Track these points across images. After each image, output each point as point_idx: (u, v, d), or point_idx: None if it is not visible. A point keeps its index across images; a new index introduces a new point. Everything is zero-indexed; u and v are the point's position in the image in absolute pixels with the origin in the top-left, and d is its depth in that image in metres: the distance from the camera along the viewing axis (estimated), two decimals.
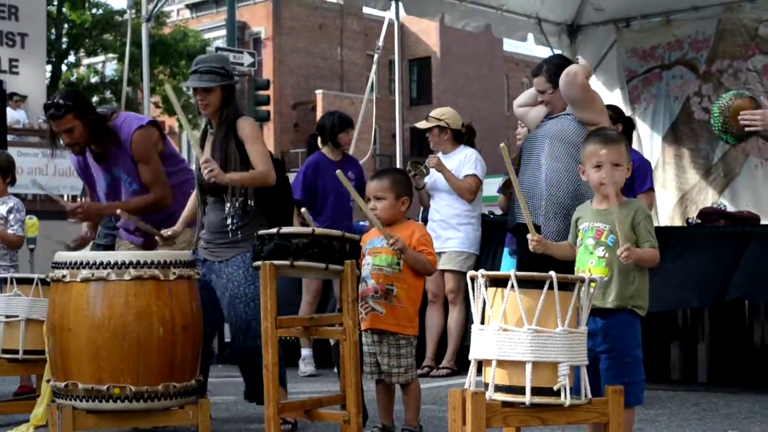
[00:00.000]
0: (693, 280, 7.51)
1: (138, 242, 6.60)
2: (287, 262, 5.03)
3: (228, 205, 6.03)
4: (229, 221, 6.04)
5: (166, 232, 6.27)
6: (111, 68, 38.50)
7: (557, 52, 11.89)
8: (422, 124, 8.94)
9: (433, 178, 8.69)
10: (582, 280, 4.19)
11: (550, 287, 4.08)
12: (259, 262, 5.09)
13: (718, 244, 7.65)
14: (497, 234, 8.57)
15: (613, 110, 7.27)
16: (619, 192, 4.72)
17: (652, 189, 8.03)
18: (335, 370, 7.08)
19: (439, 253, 8.42)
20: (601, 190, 4.71)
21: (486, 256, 8.66)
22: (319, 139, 8.89)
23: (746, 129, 6.11)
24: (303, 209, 5.73)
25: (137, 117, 6.75)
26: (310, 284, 8.63)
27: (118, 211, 6.38)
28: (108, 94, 33.99)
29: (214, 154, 6.02)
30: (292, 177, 8.44)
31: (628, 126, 7.96)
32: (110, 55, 36.62)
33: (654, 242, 4.65)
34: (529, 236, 4.78)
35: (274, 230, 5.09)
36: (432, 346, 8.69)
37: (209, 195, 6.11)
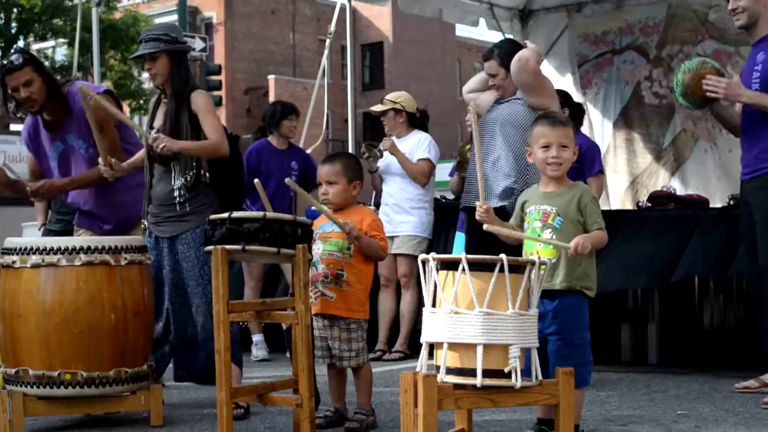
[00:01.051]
0: (642, 262, 7.56)
1: (96, 229, 6.57)
2: (239, 247, 5.01)
3: (176, 176, 6.00)
4: (176, 193, 6.01)
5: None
6: (61, 53, 38.13)
7: (509, 36, 11.92)
8: (377, 108, 8.96)
9: (387, 161, 8.70)
10: (532, 263, 4.21)
11: (501, 270, 4.10)
12: (210, 247, 5.07)
13: (667, 227, 7.72)
14: (450, 218, 8.60)
15: (561, 95, 7.31)
16: (564, 175, 4.78)
17: (601, 172, 8.11)
18: (287, 354, 7.08)
19: (392, 237, 8.45)
20: (546, 170, 4.76)
21: (438, 240, 8.69)
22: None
23: (708, 95, 6.16)
24: (256, 180, 5.65)
25: (92, 85, 6.71)
26: (253, 270, 8.64)
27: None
28: (59, 79, 33.67)
29: (165, 125, 6.00)
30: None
31: (577, 111, 8.01)
32: (60, 40, 36.27)
33: (601, 224, 4.71)
34: (477, 203, 4.81)
35: (225, 215, 5.08)
36: (385, 330, 8.72)
37: (158, 164, 6.07)
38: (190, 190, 6.01)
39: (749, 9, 6.23)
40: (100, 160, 6.14)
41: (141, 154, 6.28)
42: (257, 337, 8.82)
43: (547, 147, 4.75)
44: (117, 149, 6.43)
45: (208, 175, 6.03)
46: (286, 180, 5.54)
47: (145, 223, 6.19)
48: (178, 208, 6.03)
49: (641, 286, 7.84)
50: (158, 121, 6.12)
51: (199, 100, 6.05)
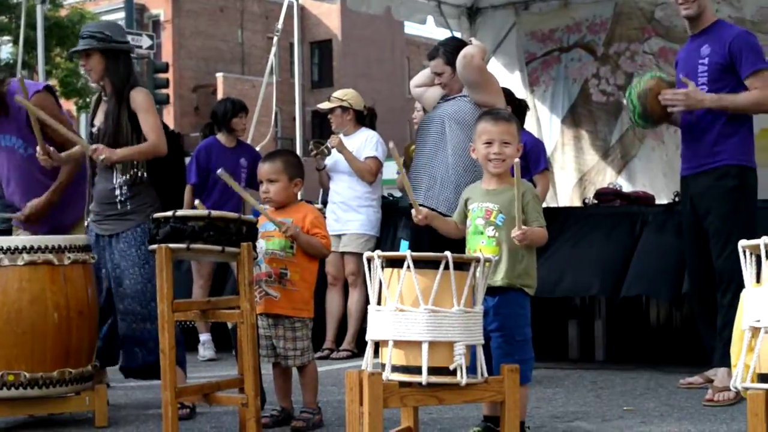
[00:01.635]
0: (592, 266, 7.59)
1: (37, 230, 6.51)
2: (183, 245, 4.97)
3: (117, 175, 5.96)
4: (117, 192, 5.97)
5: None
6: (6, 51, 37.76)
7: (457, 34, 11.94)
8: (324, 105, 8.93)
9: (334, 159, 8.68)
10: (477, 260, 4.21)
11: (446, 267, 4.09)
12: (154, 246, 5.03)
13: (615, 225, 7.74)
14: (397, 216, 8.59)
15: (504, 93, 7.31)
16: (506, 172, 4.78)
17: (547, 169, 8.12)
18: (234, 353, 7.04)
19: (340, 236, 8.44)
20: (489, 166, 4.77)
21: (386, 238, 8.68)
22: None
23: (669, 109, 6.16)
24: (220, 170, 5.60)
25: (32, 83, 6.64)
26: (202, 269, 8.59)
27: None
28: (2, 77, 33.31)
29: (106, 124, 5.95)
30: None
31: (520, 108, 8.02)
32: (5, 38, 35.90)
33: (542, 222, 4.72)
34: (413, 212, 4.81)
35: (169, 213, 5.03)
36: (332, 328, 8.70)
37: (99, 163, 6.02)
38: (131, 188, 5.98)
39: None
40: (38, 148, 6.07)
41: (78, 147, 6.21)
42: (204, 337, 8.77)
43: (489, 143, 4.76)
44: (66, 143, 6.37)
45: (146, 174, 5.99)
46: (219, 171, 5.48)
47: (87, 221, 6.14)
48: (119, 206, 5.99)
49: (591, 294, 7.85)
50: (99, 119, 6.07)
51: (138, 98, 6.01)
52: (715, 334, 6.18)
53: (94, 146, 5.87)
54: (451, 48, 6.50)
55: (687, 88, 6.11)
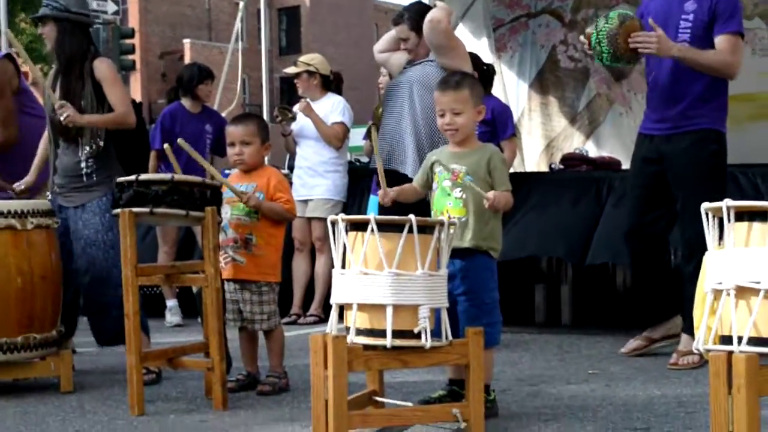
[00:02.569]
0: (558, 230, 7.60)
1: None
2: (147, 210, 4.96)
3: (82, 147, 5.92)
4: (83, 164, 5.93)
5: (19, 185, 6.17)
6: None
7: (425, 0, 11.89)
8: (291, 70, 8.90)
9: (301, 124, 8.65)
10: (442, 223, 4.20)
11: (410, 231, 4.08)
12: (118, 210, 5.00)
13: (581, 190, 7.76)
14: (364, 181, 8.58)
15: (471, 58, 7.27)
16: (471, 136, 4.76)
17: (514, 135, 8.12)
18: (199, 319, 7.04)
19: (306, 201, 8.43)
20: (447, 136, 4.77)
21: (353, 203, 8.67)
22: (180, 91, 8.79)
23: (639, 51, 5.97)
24: (166, 145, 5.59)
25: None
26: (167, 234, 8.56)
27: None
28: None
29: (68, 96, 5.90)
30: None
31: (487, 73, 7.99)
32: None
33: (509, 186, 4.70)
34: (380, 193, 4.80)
35: (132, 177, 5.01)
36: (299, 293, 8.70)
37: (62, 137, 5.97)
38: (96, 160, 5.93)
39: None
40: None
41: (38, 159, 6.24)
42: (171, 302, 8.75)
43: (442, 114, 4.75)
44: (9, 118, 6.32)
45: (111, 146, 5.95)
46: (179, 140, 5.46)
47: (49, 194, 6.10)
48: (84, 179, 5.96)
49: (557, 255, 7.87)
50: (57, 94, 5.99)
51: (102, 67, 5.97)
52: (660, 297, 6.24)
53: (61, 102, 5.81)
54: (416, 13, 6.46)
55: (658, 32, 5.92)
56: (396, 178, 5.90)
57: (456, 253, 4.43)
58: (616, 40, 5.95)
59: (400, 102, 6.39)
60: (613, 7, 10.71)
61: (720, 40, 6.01)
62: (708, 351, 3.51)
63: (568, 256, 7.63)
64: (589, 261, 7.46)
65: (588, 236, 7.50)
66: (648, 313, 6.56)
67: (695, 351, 3.63)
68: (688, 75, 6.07)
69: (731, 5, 6.05)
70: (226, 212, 5.38)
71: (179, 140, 5.45)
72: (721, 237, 3.67)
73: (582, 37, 6.17)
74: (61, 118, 5.76)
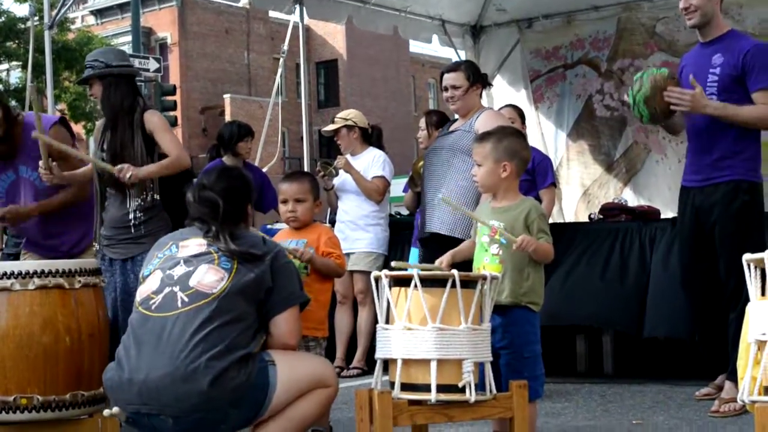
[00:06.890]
0: (610, 295, 7.58)
1: (40, 253, 6.53)
2: None
3: (131, 199, 6.00)
4: (131, 216, 6.01)
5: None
6: (15, 76, 37.92)
7: (461, 53, 12.02)
8: (330, 127, 8.98)
9: (342, 179, 8.72)
10: (484, 278, 4.24)
11: (453, 285, 4.13)
12: None
13: (623, 241, 7.69)
14: (405, 234, 8.65)
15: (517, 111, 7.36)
16: (510, 190, 4.78)
17: (554, 184, 8.15)
18: None
19: (348, 254, 8.47)
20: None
21: (394, 255, 8.70)
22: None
23: (672, 107, 6.03)
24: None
25: (45, 116, 6.69)
26: None
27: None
28: (12, 102, 33.52)
29: (117, 148, 6.01)
30: None
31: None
32: (14, 63, 36.09)
33: (549, 238, 4.69)
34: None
35: None
36: (342, 346, 8.72)
37: (114, 189, 6.06)
38: (145, 212, 6.02)
39: (702, 8, 6.10)
40: (40, 163, 6.10)
41: (84, 170, 6.26)
42: None
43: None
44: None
45: (158, 197, 6.04)
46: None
47: (96, 246, 6.17)
48: (133, 230, 6.03)
49: (616, 328, 7.84)
50: (107, 144, 6.10)
51: (153, 119, 6.08)
52: (718, 346, 6.19)
53: (120, 166, 5.90)
54: (474, 66, 6.61)
55: (694, 90, 5.97)
56: (439, 239, 6.01)
57: (496, 309, 4.44)
58: (651, 103, 6.05)
59: (441, 163, 6.52)
60: (649, 56, 10.81)
61: (757, 96, 6.02)
62: (753, 402, 3.52)
63: (627, 328, 7.59)
64: (647, 334, 7.43)
65: (640, 301, 7.45)
66: (709, 361, 6.52)
67: (739, 401, 3.64)
68: (718, 125, 6.07)
69: (761, 58, 6.03)
70: None
71: None
72: (763, 287, 3.69)
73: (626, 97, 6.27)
74: (126, 180, 5.85)
